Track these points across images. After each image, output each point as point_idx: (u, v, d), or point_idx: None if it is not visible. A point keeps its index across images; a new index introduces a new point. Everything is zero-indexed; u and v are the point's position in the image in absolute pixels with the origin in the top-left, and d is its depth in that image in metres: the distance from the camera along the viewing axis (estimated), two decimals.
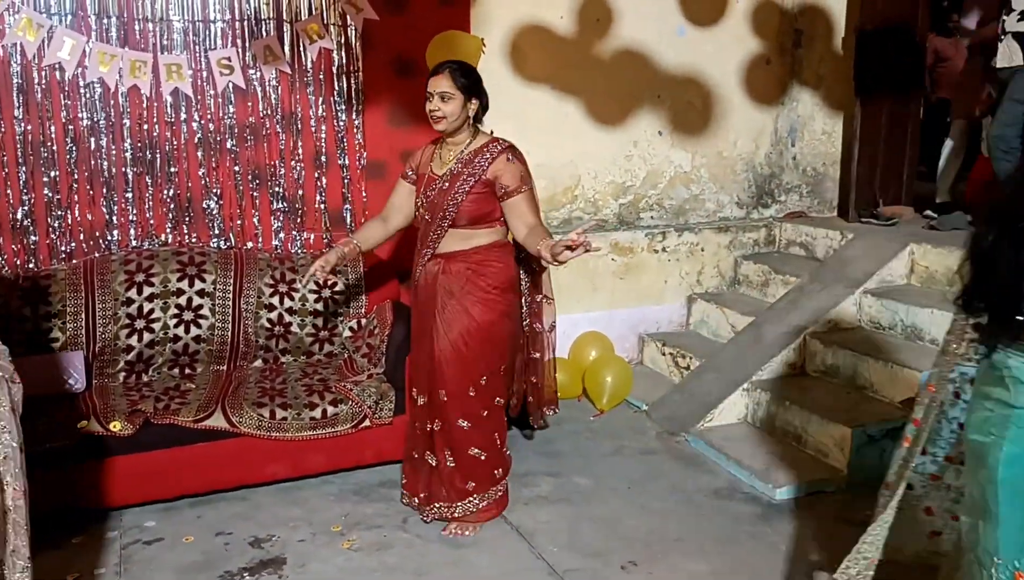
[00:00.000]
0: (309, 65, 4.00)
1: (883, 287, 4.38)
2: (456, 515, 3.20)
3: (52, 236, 3.73)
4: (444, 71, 3.04)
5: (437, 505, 3.23)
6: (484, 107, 3.14)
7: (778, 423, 3.95)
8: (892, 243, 4.56)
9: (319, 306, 3.92)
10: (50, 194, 3.70)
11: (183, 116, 3.84)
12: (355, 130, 4.14)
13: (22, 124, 3.61)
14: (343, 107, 4.09)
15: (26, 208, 3.66)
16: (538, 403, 3.54)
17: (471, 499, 3.20)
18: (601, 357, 4.60)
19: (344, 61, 4.05)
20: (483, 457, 3.19)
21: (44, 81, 3.62)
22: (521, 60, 4.48)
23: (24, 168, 3.64)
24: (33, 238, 3.70)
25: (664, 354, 4.83)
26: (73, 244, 3.76)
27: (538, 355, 3.45)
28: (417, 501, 3.30)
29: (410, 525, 3.27)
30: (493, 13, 4.35)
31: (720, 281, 5.15)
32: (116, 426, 3.18)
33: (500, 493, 3.30)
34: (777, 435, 3.95)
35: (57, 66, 3.62)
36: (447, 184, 3.08)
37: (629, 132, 4.88)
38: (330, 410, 3.46)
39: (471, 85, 3.06)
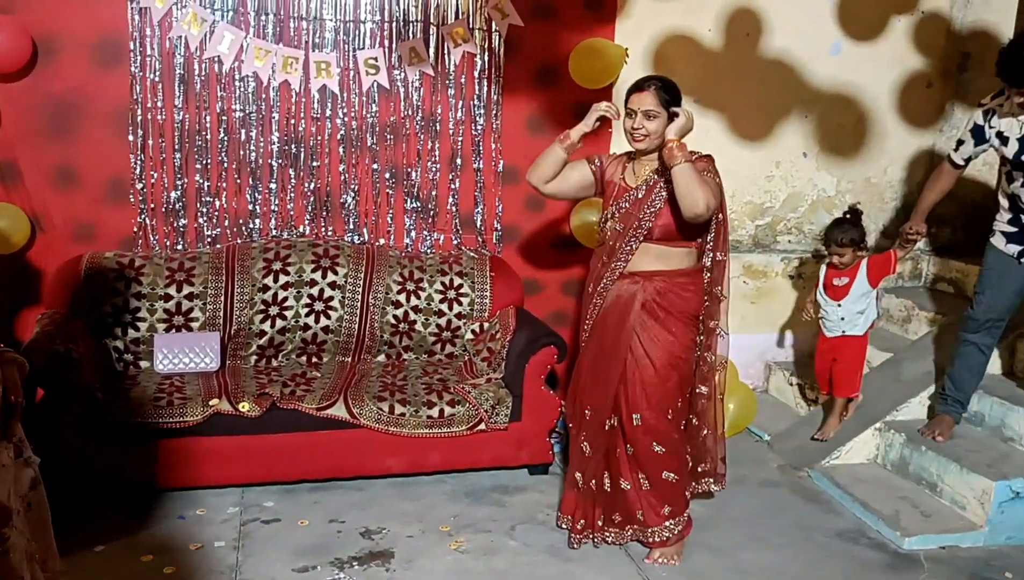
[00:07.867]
0: (452, 68, 4.05)
1: None
2: (655, 540, 3.07)
3: (200, 220, 3.91)
4: (649, 88, 2.86)
5: (630, 529, 3.12)
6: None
7: (912, 468, 3.71)
8: None
9: (443, 306, 3.95)
10: (201, 181, 3.88)
11: (328, 113, 3.96)
12: (492, 135, 4.16)
13: (181, 113, 3.81)
14: (482, 112, 4.12)
15: (178, 192, 3.86)
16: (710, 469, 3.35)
17: (667, 524, 3.07)
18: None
19: (486, 66, 4.08)
20: (675, 480, 3.07)
21: (203, 73, 3.80)
22: (665, 71, 4.35)
23: (179, 154, 3.84)
24: (183, 221, 3.90)
25: (792, 384, 4.63)
26: (218, 230, 3.94)
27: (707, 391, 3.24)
28: (580, 526, 3.16)
29: (518, 533, 3.25)
30: (639, 22, 4.27)
31: None
32: (245, 407, 3.30)
33: (688, 516, 3.15)
34: (910, 480, 3.71)
35: (216, 59, 3.79)
36: (642, 193, 2.93)
37: (772, 151, 4.70)
38: (447, 410, 3.48)
39: (674, 101, 2.89)
